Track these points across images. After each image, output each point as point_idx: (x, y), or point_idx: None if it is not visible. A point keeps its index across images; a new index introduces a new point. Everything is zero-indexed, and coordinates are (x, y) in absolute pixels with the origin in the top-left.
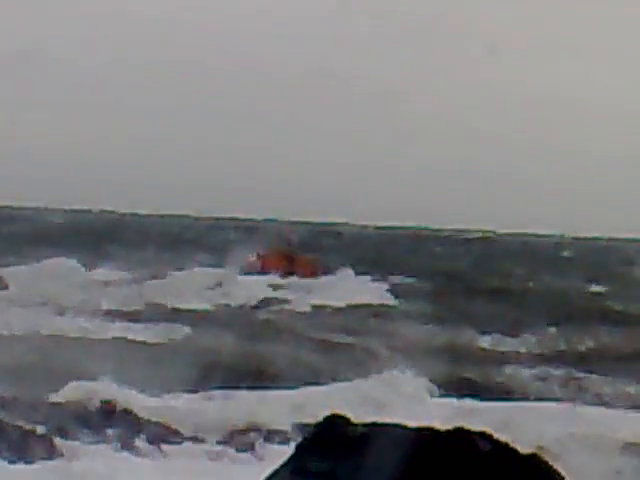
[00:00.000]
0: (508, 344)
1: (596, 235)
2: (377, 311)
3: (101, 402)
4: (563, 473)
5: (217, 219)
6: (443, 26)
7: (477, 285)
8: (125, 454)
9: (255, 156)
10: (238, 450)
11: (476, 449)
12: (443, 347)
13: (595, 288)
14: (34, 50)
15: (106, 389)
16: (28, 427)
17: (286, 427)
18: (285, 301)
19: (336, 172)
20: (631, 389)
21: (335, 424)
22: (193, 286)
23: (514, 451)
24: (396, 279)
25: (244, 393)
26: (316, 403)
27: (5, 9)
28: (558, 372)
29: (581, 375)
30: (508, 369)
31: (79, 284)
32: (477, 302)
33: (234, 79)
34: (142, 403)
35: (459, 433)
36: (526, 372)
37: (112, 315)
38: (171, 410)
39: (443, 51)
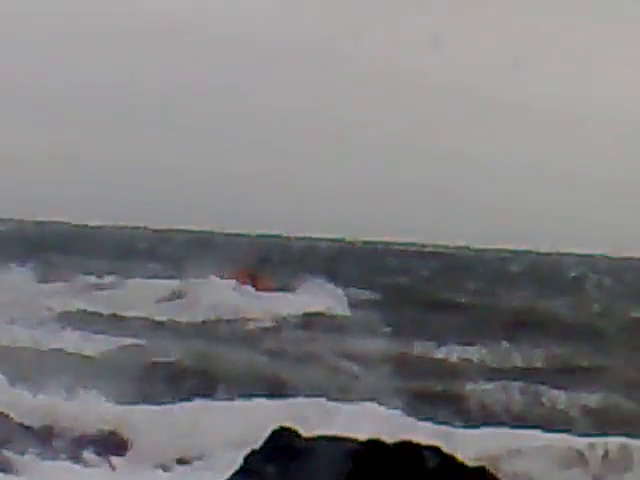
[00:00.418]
0: (463, 355)
1: (546, 250)
2: (332, 322)
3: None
4: None
5: (168, 231)
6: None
7: (429, 298)
8: (75, 466)
9: (202, 169)
10: (178, 462)
11: (423, 462)
12: (396, 357)
13: (546, 302)
14: None
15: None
16: None
17: (231, 437)
18: (243, 312)
19: (289, 185)
20: (587, 400)
21: (283, 436)
22: (147, 296)
23: (462, 465)
24: (350, 291)
25: (189, 404)
26: (265, 416)
27: None
28: (515, 384)
29: (538, 387)
30: (464, 381)
31: (28, 294)
32: (431, 314)
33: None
34: (85, 414)
35: (407, 446)
36: (483, 385)
37: (58, 324)
38: (118, 421)
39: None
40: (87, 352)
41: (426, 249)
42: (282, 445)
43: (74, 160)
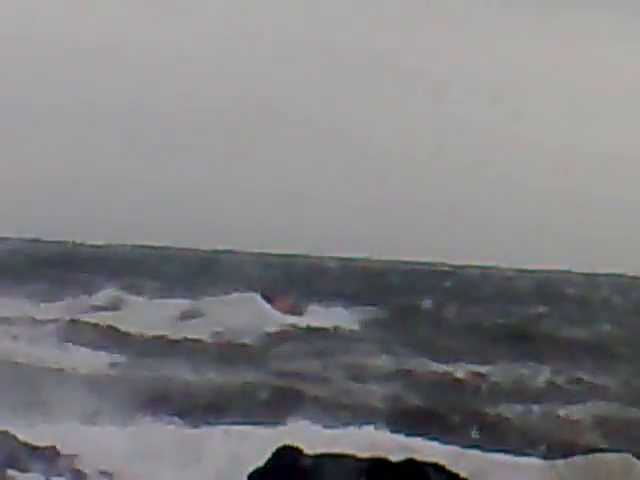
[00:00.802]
0: (471, 372)
1: (552, 268)
2: (340, 339)
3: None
4: None
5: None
6: (391, 67)
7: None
8: None
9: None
10: None
11: (428, 479)
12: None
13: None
14: None
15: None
16: None
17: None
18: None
19: (288, 203)
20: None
21: (287, 454)
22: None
23: None
24: (357, 309)
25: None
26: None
27: None
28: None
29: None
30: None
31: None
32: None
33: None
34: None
35: (411, 464)
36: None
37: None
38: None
39: (390, 92)
40: (92, 370)
41: (433, 267)
42: (285, 463)
43: (79, 177)
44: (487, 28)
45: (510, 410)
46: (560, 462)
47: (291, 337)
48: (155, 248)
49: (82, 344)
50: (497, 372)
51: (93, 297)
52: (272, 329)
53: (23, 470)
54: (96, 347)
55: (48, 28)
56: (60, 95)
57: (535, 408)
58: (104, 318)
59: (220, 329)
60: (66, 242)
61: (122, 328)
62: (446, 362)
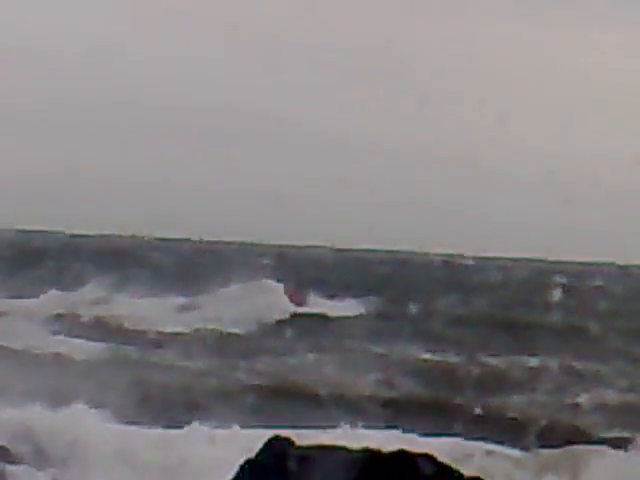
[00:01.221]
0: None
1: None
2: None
3: None
4: None
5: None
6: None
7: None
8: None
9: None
10: None
11: (418, 471)
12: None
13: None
14: None
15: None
16: None
17: None
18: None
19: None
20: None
21: (278, 445)
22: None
23: (457, 473)
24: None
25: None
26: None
27: None
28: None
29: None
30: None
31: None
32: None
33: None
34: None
35: (402, 455)
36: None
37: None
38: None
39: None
40: (82, 357)
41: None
42: (277, 454)
43: (70, 169)
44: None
45: (504, 399)
46: (542, 451)
47: (293, 326)
48: (147, 238)
49: (72, 335)
50: (493, 361)
51: (84, 289)
52: (280, 317)
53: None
54: (87, 339)
55: (48, 29)
56: (32, 91)
57: (527, 396)
58: (96, 309)
59: (219, 319)
60: (58, 232)
61: (116, 320)
62: (442, 350)
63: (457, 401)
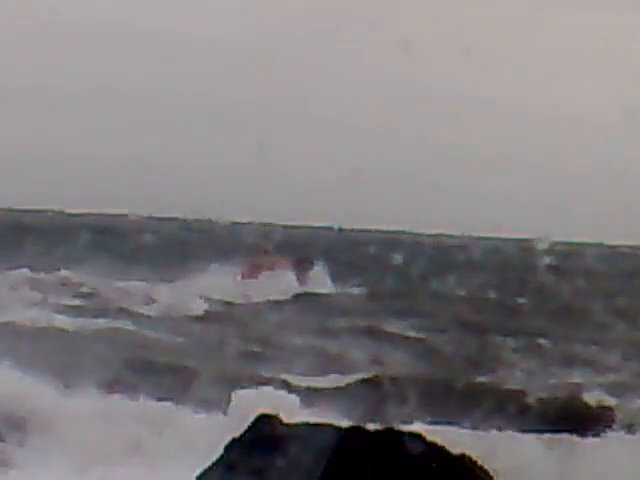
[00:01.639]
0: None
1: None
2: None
3: None
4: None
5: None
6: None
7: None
8: None
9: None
10: None
11: (406, 449)
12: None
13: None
14: None
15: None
16: None
17: None
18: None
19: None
20: None
21: (265, 423)
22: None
23: (444, 451)
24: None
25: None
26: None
27: None
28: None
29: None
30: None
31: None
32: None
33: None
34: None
35: (389, 433)
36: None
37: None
38: None
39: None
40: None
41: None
42: (264, 432)
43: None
44: None
45: (486, 376)
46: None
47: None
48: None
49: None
50: (484, 340)
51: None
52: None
53: None
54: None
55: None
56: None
57: (516, 375)
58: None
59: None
60: (47, 210)
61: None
62: (433, 329)
63: (448, 378)
